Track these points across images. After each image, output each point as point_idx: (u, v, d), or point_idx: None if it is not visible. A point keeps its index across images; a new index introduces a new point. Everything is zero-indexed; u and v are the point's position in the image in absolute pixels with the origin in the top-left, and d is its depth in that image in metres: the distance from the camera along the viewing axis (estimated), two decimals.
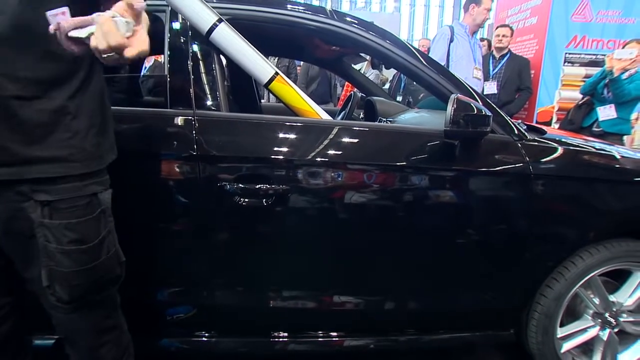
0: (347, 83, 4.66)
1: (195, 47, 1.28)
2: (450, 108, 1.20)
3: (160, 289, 1.30)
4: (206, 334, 1.33)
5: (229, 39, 1.26)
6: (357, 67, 2.95)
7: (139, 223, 1.21)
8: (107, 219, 0.92)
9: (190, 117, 1.21)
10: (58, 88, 0.82)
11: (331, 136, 1.26)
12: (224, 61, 1.58)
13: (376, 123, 1.75)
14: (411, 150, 1.31)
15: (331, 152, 1.25)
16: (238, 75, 2.24)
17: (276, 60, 5.02)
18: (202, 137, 1.20)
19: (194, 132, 1.20)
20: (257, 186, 1.21)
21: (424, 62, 1.38)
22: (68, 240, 0.85)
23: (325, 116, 1.39)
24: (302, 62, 6.48)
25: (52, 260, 0.85)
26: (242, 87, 2.45)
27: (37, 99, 0.79)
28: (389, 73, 6.30)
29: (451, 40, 3.22)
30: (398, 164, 1.27)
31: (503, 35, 3.92)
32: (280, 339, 1.36)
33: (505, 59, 3.95)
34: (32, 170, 0.80)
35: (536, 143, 1.39)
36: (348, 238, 1.31)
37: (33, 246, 0.85)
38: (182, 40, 1.27)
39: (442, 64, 2.94)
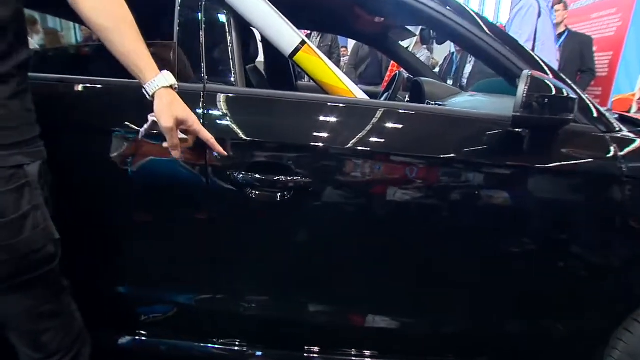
0: (392, 62, 4.30)
1: (210, 12, 1.07)
2: (522, 87, 0.92)
3: (153, 290, 1.15)
4: (237, 343, 1.18)
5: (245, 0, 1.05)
6: (404, 44, 2.64)
7: (125, 216, 1.07)
8: (34, 192, 0.82)
9: (199, 92, 1.02)
10: None
11: (366, 119, 1.02)
12: (258, 36, 1.40)
13: (423, 105, 1.48)
14: (466, 139, 1.04)
15: (365, 138, 1.01)
16: (273, 51, 2.03)
17: (318, 39, 4.77)
18: (211, 115, 1.01)
19: (200, 109, 1.01)
20: (275, 178, 1.00)
21: (488, 32, 1.10)
22: None
23: (361, 95, 1.15)
24: (349, 42, 6.18)
25: None
26: (278, 63, 2.25)
27: None
28: (441, 55, 5.84)
29: (539, 15, 2.73)
30: (449, 156, 1.01)
31: (556, 10, 3.42)
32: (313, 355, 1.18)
33: (564, 37, 3.44)
34: None
35: (631, 137, 1.07)
36: (383, 245, 1.08)
37: None
38: (194, 3, 1.07)
39: (529, 44, 2.46)
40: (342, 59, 6.52)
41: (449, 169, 1.02)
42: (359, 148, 0.99)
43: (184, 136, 0.92)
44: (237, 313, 1.13)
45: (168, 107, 0.87)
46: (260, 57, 2.18)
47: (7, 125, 0.79)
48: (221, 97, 1.03)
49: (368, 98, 1.15)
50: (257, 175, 1.00)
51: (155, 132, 0.91)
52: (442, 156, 1.01)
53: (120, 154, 1.02)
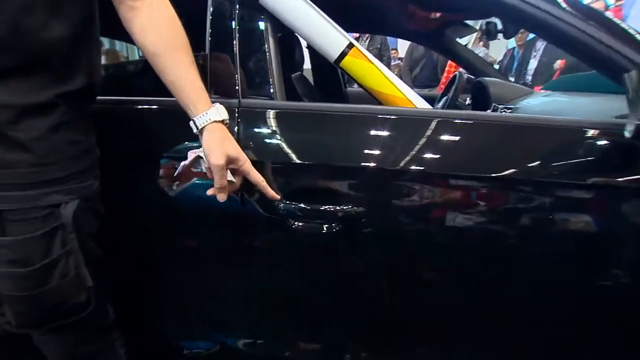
0: (449, 63, 3.97)
1: (244, 19, 0.94)
2: None
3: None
4: None
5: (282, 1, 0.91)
6: (462, 41, 2.38)
7: (147, 247, 0.96)
8: (67, 236, 0.73)
9: (233, 108, 0.89)
10: None
11: (427, 132, 0.83)
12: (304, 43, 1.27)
13: (492, 113, 1.25)
14: (557, 155, 0.82)
15: (425, 156, 0.82)
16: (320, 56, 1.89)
17: (367, 42, 4.58)
18: (247, 134, 0.87)
19: (235, 127, 0.88)
20: (322, 207, 0.84)
21: (584, 18, 0.86)
22: (7, 260, 0.70)
23: (421, 104, 0.96)
24: (399, 44, 5.94)
25: None
26: (326, 70, 2.10)
27: None
28: (497, 52, 5.41)
29: None
30: (537, 179, 0.79)
31: None
32: None
33: None
34: None
35: None
36: (447, 286, 0.89)
37: None
38: (227, 9, 0.95)
39: None
40: (392, 62, 6.28)
41: (538, 194, 0.80)
42: (419, 169, 0.81)
43: (232, 178, 0.79)
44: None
45: (220, 144, 0.76)
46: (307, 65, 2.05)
47: (44, 161, 0.70)
48: (258, 113, 0.89)
49: (430, 107, 0.96)
50: (300, 205, 0.84)
51: (195, 170, 0.80)
52: (530, 179, 0.79)
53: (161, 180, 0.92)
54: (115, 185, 0.85)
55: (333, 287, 0.91)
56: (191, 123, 0.78)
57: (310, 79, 2.10)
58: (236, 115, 0.88)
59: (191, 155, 0.79)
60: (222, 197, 0.77)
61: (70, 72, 0.73)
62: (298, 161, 0.85)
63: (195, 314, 1.02)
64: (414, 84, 4.48)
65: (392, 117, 0.85)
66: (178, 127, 0.83)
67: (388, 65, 4.70)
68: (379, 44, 4.58)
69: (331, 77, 2.13)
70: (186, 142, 0.87)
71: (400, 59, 5.75)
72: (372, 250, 0.87)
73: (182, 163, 0.79)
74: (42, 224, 0.71)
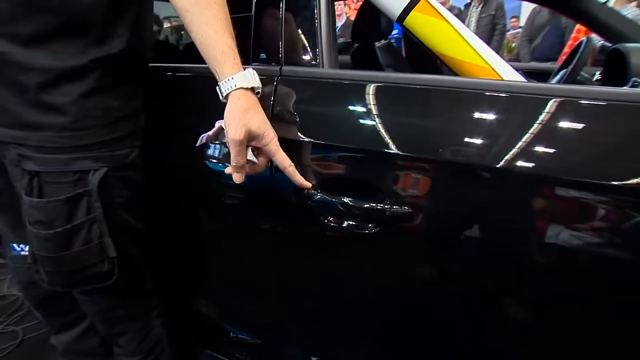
0: (576, 28, 3.12)
1: None
2: None
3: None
4: None
5: None
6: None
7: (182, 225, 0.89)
8: (93, 204, 0.71)
9: (273, 76, 0.77)
10: None
11: (524, 114, 0.59)
12: None
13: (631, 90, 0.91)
14: None
15: (532, 150, 0.57)
16: None
17: (480, 6, 3.99)
18: (285, 108, 0.75)
19: (272, 98, 0.75)
20: (366, 205, 0.67)
21: None
22: (34, 220, 0.71)
23: (511, 75, 0.71)
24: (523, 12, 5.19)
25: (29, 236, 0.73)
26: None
27: None
28: None
29: None
30: None
31: None
32: None
33: None
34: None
35: None
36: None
37: None
38: None
39: None
40: (510, 31, 5.49)
41: None
42: (525, 169, 0.57)
43: (253, 158, 0.68)
44: None
45: (242, 115, 0.64)
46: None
47: (76, 125, 0.68)
48: (302, 83, 0.75)
49: (524, 80, 0.71)
50: (343, 199, 0.68)
51: (219, 142, 0.71)
52: None
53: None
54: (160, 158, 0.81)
55: (383, 308, 0.76)
56: (217, 88, 0.67)
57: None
58: (274, 83, 0.75)
59: (217, 125, 0.69)
60: (237, 178, 0.66)
61: (108, 36, 0.69)
62: (343, 144, 0.68)
63: (232, 300, 0.96)
64: (532, 56, 3.80)
65: (478, 92, 0.62)
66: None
67: (502, 36, 4.06)
68: (493, 9, 3.93)
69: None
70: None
71: (520, 28, 4.96)
72: (427, 265, 0.68)
73: (206, 134, 0.69)
74: (72, 188, 0.70)
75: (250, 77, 0.66)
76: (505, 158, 0.57)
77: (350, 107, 0.71)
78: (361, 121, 0.68)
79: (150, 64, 0.83)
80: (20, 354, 1.37)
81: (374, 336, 0.79)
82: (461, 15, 4.37)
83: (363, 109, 0.69)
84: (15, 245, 0.89)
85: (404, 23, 0.74)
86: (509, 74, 0.70)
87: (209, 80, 0.69)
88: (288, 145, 0.70)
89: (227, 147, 0.66)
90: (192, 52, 0.75)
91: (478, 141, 0.60)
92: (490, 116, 0.60)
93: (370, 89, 0.68)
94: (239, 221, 0.85)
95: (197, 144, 0.70)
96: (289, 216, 0.76)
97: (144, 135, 0.80)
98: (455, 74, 0.74)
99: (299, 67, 0.77)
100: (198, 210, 0.92)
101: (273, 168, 0.73)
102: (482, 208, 0.61)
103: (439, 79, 0.64)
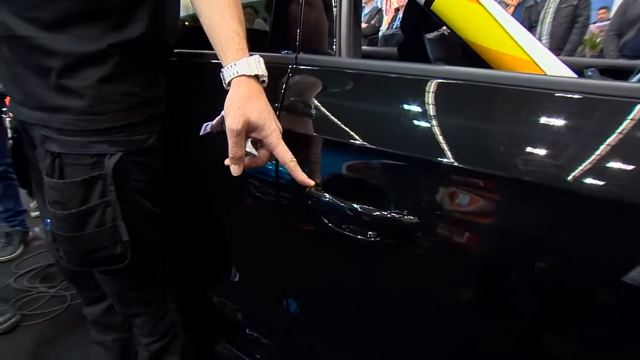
0: None
1: None
2: None
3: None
4: None
5: None
6: None
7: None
8: (108, 187, 0.71)
9: (287, 64, 0.72)
10: None
11: (620, 123, 0.47)
12: None
13: None
14: None
15: (612, 167, 0.46)
16: None
17: None
18: (295, 97, 0.69)
19: (283, 88, 0.70)
20: (375, 212, 0.60)
21: None
22: (52, 200, 0.72)
23: (560, 70, 0.59)
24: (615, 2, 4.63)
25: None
26: None
27: None
28: None
29: None
30: None
31: None
32: None
33: None
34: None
35: None
36: None
37: None
38: None
39: None
40: (596, 24, 4.91)
41: None
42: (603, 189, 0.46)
43: (253, 150, 0.63)
44: None
45: (241, 104, 0.60)
46: None
47: (94, 110, 0.69)
48: (318, 72, 0.69)
49: (574, 76, 0.59)
50: (353, 205, 0.62)
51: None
52: None
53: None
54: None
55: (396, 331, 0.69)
56: (221, 75, 0.64)
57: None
58: (288, 72, 0.70)
59: (222, 113, 0.66)
60: (235, 170, 0.62)
61: (127, 21, 0.68)
62: (357, 142, 0.62)
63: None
64: (621, 53, 3.34)
65: (513, 87, 0.51)
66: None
67: (582, 30, 3.60)
68: None
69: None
70: None
71: (609, 20, 4.39)
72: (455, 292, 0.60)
73: (210, 122, 0.67)
74: (89, 171, 0.71)
75: (255, 64, 0.62)
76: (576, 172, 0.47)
77: (367, 102, 0.63)
78: (378, 118, 0.61)
79: (177, 50, 0.83)
80: (66, 317, 1.49)
81: (375, 344, 0.72)
82: (537, 6, 3.96)
83: (380, 105, 0.61)
84: (47, 220, 0.95)
85: (431, 8, 0.64)
86: (554, 68, 0.58)
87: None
88: (296, 139, 0.65)
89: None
90: None
91: (511, 149, 0.50)
92: (528, 119, 0.50)
93: (391, 82, 0.61)
94: (248, 214, 0.82)
95: (201, 133, 0.68)
96: (291, 214, 0.71)
97: (164, 121, 0.80)
98: (491, 66, 0.63)
99: (315, 56, 0.72)
100: (210, 200, 0.90)
101: (278, 162, 0.69)
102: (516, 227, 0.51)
103: (469, 72, 0.55)
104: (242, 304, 0.96)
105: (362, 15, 5.07)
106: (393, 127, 0.58)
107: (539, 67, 0.58)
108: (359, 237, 0.61)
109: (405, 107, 0.58)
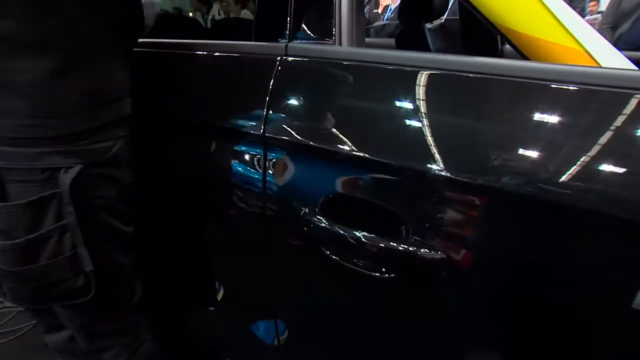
0: None
1: None
2: None
3: None
4: None
5: None
6: None
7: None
8: (64, 208, 0.58)
9: (276, 55, 0.58)
10: None
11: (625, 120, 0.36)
12: None
13: None
14: None
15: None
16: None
17: None
18: (283, 95, 0.56)
19: (270, 84, 0.57)
20: (380, 243, 0.48)
21: None
22: None
23: (619, 62, 0.47)
24: None
25: None
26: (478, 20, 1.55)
27: None
28: None
29: None
30: None
31: None
32: None
33: None
34: None
35: None
36: None
37: None
38: None
39: None
40: (586, 17, 4.83)
41: None
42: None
43: None
44: None
45: None
46: None
47: (44, 112, 0.55)
48: (311, 65, 0.56)
49: (637, 69, 0.46)
50: (351, 230, 0.49)
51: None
52: None
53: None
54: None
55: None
56: None
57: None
58: (277, 64, 0.56)
59: None
60: None
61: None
62: (361, 153, 0.48)
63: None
64: (616, 46, 3.24)
65: (565, 85, 0.39)
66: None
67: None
68: None
69: (485, 29, 1.56)
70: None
71: (600, 13, 4.31)
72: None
73: None
74: (39, 189, 0.57)
75: None
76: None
77: (375, 102, 0.50)
78: (386, 122, 0.48)
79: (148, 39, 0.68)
80: (34, 334, 1.34)
81: None
82: None
83: (392, 106, 0.48)
84: None
85: None
86: (610, 59, 0.46)
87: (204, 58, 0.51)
88: (285, 148, 0.52)
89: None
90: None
91: (558, 164, 0.37)
92: (581, 123, 0.38)
93: (407, 77, 0.47)
94: (233, 231, 0.68)
95: None
96: (286, 237, 0.58)
97: (130, 123, 0.65)
98: (528, 57, 0.50)
99: (310, 45, 0.58)
100: (189, 215, 0.76)
101: (266, 180, 0.55)
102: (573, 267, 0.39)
103: (511, 65, 0.42)
104: (225, 330, 0.82)
105: None
106: (408, 135, 0.45)
107: (592, 58, 0.46)
108: (368, 272, 0.48)
109: (427, 110, 0.45)
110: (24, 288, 0.62)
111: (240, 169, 0.58)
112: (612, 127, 0.36)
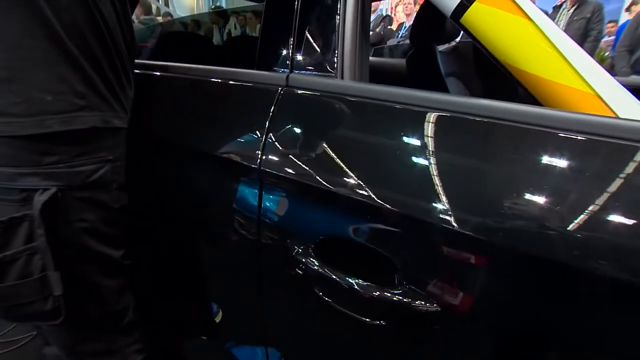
0: None
1: None
2: None
3: None
4: None
5: None
6: None
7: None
8: (35, 230, 0.56)
9: (277, 86, 0.57)
10: None
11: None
12: None
13: None
14: None
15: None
16: None
17: (572, 9, 3.40)
18: (282, 128, 0.54)
19: (269, 116, 0.55)
20: (375, 292, 0.46)
21: None
22: None
23: (635, 109, 0.44)
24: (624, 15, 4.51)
25: None
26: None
27: None
28: None
29: None
30: None
31: None
32: None
33: None
34: None
35: None
36: None
37: None
38: None
39: None
40: (604, 38, 4.75)
41: None
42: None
43: None
44: None
45: None
46: None
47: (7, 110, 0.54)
48: (311, 98, 0.54)
49: None
50: (347, 277, 0.47)
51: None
52: None
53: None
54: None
55: None
56: None
57: None
58: (277, 95, 0.55)
59: None
60: None
61: None
62: (357, 196, 0.45)
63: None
64: (633, 69, 3.19)
65: (575, 134, 0.37)
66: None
67: (595, 44, 3.44)
68: (589, 12, 3.32)
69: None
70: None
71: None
72: None
73: None
74: (17, 209, 0.56)
75: None
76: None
77: (375, 141, 0.48)
78: (389, 166, 0.46)
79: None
80: (35, 345, 1.33)
81: None
82: None
83: (393, 147, 0.46)
84: None
85: (461, 21, 0.49)
86: (627, 107, 0.43)
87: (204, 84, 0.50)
88: (280, 182, 0.50)
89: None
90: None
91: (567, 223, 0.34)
92: (595, 176, 0.35)
93: (410, 116, 0.45)
94: (227, 262, 0.67)
95: None
96: (275, 274, 0.56)
97: (124, 147, 0.64)
98: (535, 101, 0.48)
99: (310, 76, 0.56)
100: (184, 238, 0.75)
101: (260, 214, 0.54)
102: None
103: (516, 110, 0.39)
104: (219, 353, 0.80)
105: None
106: (408, 180, 0.43)
107: (605, 103, 0.43)
108: (357, 316, 0.46)
109: (429, 153, 0.43)
110: None
111: (235, 200, 0.56)
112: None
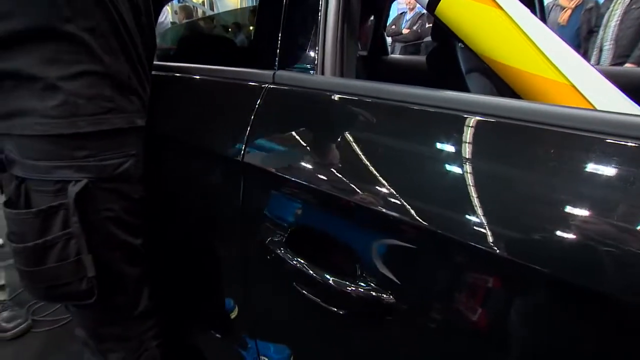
0: None
1: None
2: None
3: None
4: None
5: None
6: None
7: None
8: (71, 218, 0.62)
9: (263, 83, 0.59)
10: None
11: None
12: None
13: None
14: None
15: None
16: None
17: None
18: (265, 124, 0.56)
19: (253, 112, 0.57)
20: (349, 286, 0.46)
21: None
22: (9, 230, 0.65)
23: (615, 101, 0.42)
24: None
25: None
26: None
27: None
28: None
29: None
30: None
31: None
32: None
33: None
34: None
35: None
36: None
37: None
38: None
39: None
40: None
41: None
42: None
43: None
44: None
45: None
46: None
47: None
48: (293, 95, 0.56)
49: (634, 106, 0.41)
50: (311, 272, 0.48)
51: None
52: None
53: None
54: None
55: None
56: None
57: None
58: (263, 92, 0.57)
59: None
60: None
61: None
62: (331, 191, 0.46)
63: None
64: None
65: (551, 126, 0.36)
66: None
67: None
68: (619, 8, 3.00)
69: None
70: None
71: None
72: None
73: None
74: (52, 199, 0.63)
75: None
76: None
77: (352, 137, 0.49)
78: (364, 163, 0.46)
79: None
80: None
81: None
82: (598, 9, 3.53)
83: (369, 144, 0.46)
84: None
85: (436, 12, 0.48)
86: (605, 99, 0.41)
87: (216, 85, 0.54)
88: (262, 177, 0.52)
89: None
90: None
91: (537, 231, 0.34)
92: (573, 175, 0.34)
93: (389, 112, 0.46)
94: (235, 248, 0.70)
95: None
96: (257, 265, 0.58)
97: (143, 143, 0.70)
98: (513, 93, 0.46)
99: (295, 73, 0.58)
100: (196, 231, 0.79)
101: (242, 204, 0.56)
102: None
103: (498, 103, 0.38)
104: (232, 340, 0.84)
105: (405, 20, 4.79)
106: (386, 178, 0.43)
107: (581, 94, 0.41)
108: (325, 305, 0.47)
109: (408, 147, 0.43)
110: (37, 286, 0.68)
111: (220, 191, 0.59)
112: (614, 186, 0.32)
